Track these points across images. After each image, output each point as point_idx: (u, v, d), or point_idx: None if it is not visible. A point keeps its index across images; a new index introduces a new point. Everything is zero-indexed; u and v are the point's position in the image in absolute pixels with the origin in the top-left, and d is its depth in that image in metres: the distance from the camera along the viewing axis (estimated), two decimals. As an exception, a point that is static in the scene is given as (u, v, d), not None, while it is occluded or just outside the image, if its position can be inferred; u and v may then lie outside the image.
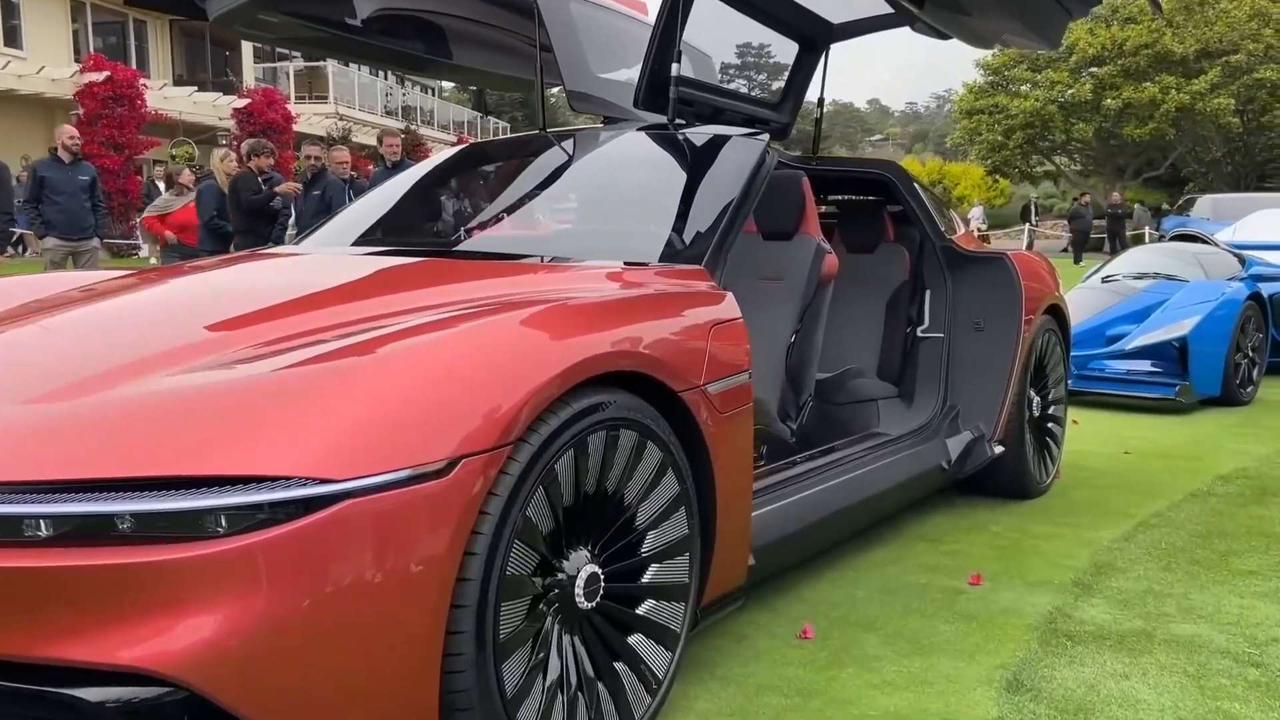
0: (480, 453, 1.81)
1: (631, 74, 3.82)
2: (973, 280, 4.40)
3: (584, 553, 2.16)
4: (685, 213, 3.20)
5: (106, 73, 21.61)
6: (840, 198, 5.07)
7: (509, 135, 3.82)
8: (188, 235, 9.70)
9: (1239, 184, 33.51)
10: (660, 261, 2.94)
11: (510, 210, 3.53)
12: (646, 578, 2.31)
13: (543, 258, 3.00)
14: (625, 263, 2.85)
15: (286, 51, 32.99)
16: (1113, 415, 6.69)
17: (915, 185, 4.38)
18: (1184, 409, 6.85)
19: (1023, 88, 36.46)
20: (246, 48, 30.63)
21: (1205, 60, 32.17)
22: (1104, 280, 8.06)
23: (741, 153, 3.35)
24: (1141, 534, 3.93)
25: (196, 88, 25.67)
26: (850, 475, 3.53)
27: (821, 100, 4.53)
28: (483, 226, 3.41)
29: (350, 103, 31.75)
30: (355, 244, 3.50)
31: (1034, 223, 30.15)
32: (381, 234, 3.63)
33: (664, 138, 3.63)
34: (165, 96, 23.89)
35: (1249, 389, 7.34)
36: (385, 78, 34.74)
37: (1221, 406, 7.00)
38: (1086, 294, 7.84)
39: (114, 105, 21.53)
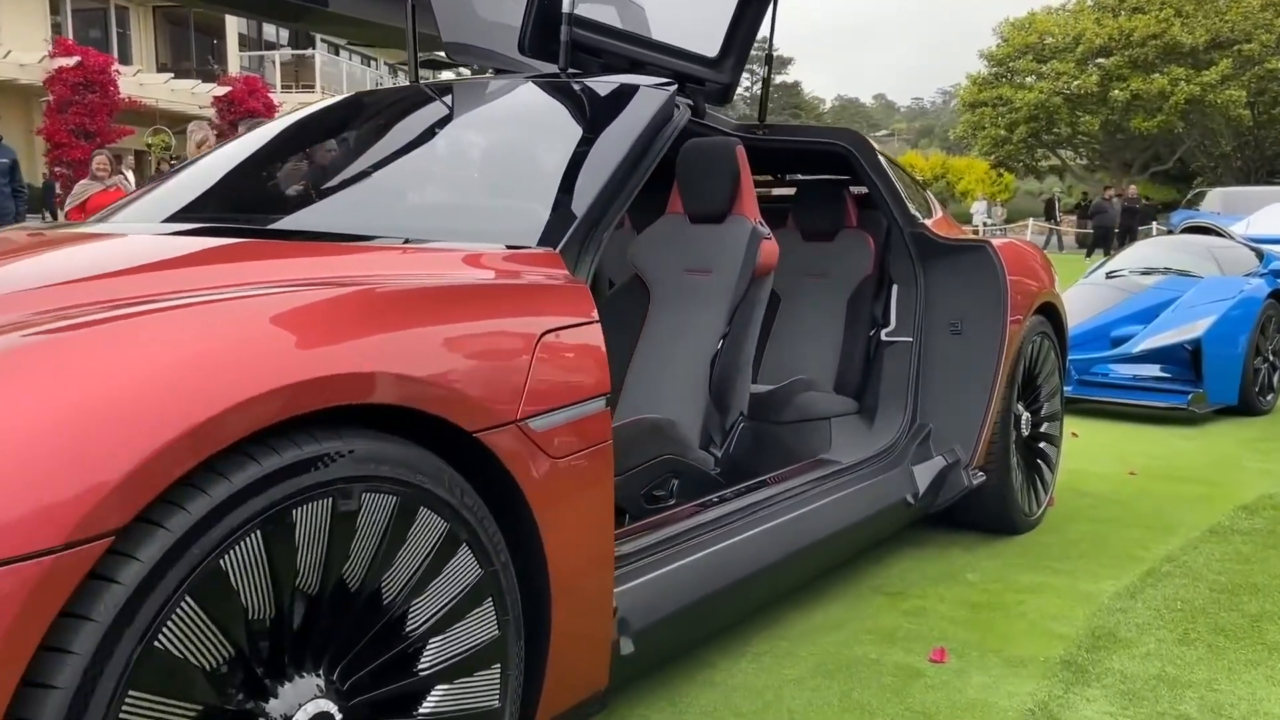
0: (33, 556, 1.07)
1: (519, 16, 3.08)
2: (949, 274, 3.65)
3: (311, 682, 1.42)
4: (565, 182, 2.46)
5: (77, 58, 20.89)
6: (796, 177, 4.33)
7: (375, 89, 2.96)
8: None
9: (1248, 179, 32.66)
10: (540, 244, 2.19)
11: (356, 180, 2.78)
12: (427, 707, 1.57)
13: (374, 238, 2.26)
14: (509, 246, 2.10)
15: (273, 40, 32.32)
16: (1116, 426, 5.94)
17: (880, 159, 3.63)
18: (1197, 420, 6.10)
19: (1027, 79, 35.63)
20: (231, 35, 29.94)
21: (1216, 51, 31.34)
22: (1108, 276, 7.31)
23: (639, 107, 2.60)
24: (1151, 587, 3.19)
25: (174, 75, 24.94)
26: (786, 518, 2.79)
27: (770, 57, 3.78)
28: (321, 200, 2.66)
29: (339, 91, 31.01)
30: (169, 220, 2.75)
31: (1057, 220, 28.90)
32: (208, 208, 2.88)
33: (554, 90, 2.88)
34: (141, 84, 23.16)
35: (1269, 397, 6.59)
36: (374, 66, 34.01)
37: (1239, 416, 6.25)
38: (1088, 291, 7.09)
39: (85, 91, 20.81)
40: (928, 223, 3.74)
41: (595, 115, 2.71)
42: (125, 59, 25.21)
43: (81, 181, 9.68)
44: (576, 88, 2.84)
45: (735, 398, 2.97)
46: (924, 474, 3.39)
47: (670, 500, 2.76)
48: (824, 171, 4.09)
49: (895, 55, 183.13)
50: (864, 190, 3.77)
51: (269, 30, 31.36)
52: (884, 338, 3.68)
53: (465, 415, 1.55)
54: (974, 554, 3.57)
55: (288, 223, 2.48)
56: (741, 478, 2.98)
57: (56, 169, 20.53)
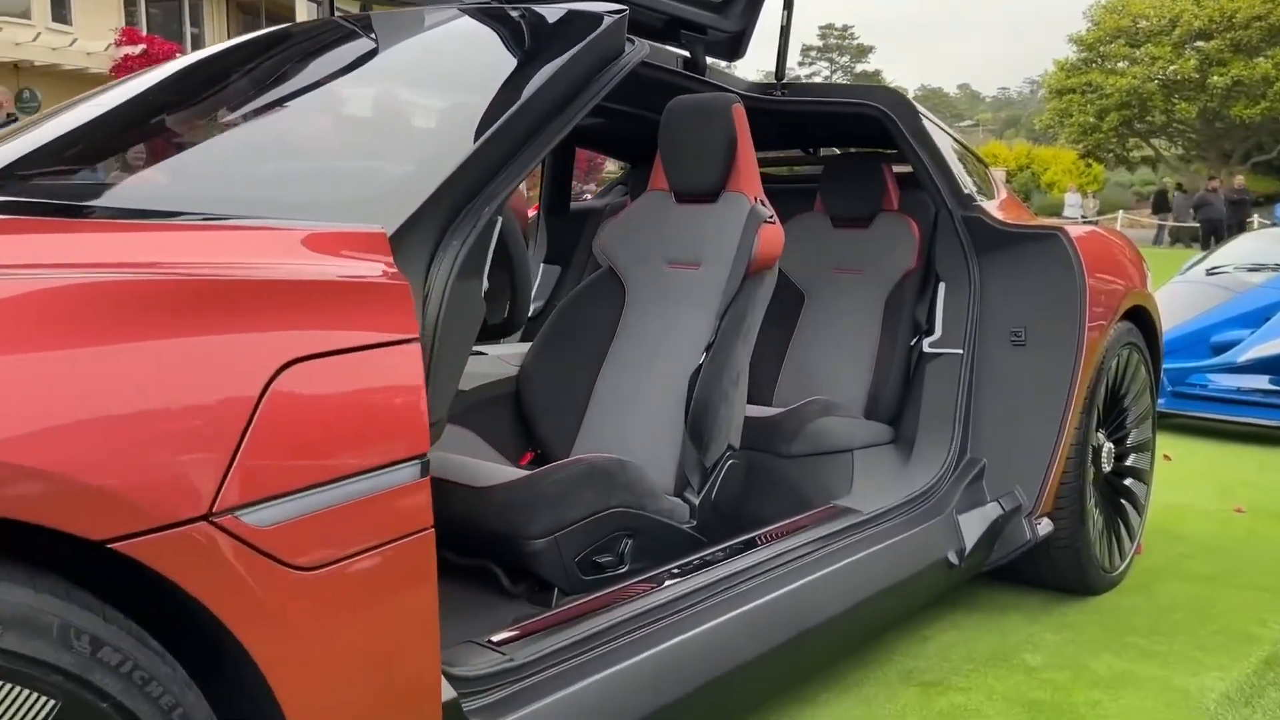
0: None
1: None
2: (1011, 269, 2.91)
3: None
4: (438, 141, 1.81)
5: (142, 45, 20.90)
6: (833, 152, 3.61)
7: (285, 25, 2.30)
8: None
9: (1360, 169, 30.64)
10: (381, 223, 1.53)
11: (204, 139, 2.13)
12: None
13: (175, 214, 1.61)
14: (336, 226, 1.45)
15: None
16: (1217, 448, 5.10)
17: (925, 124, 2.90)
18: (1316, 443, 5.23)
19: (1119, 64, 33.91)
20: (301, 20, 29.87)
21: (1325, 33, 29.42)
22: (1209, 273, 6.41)
23: (561, 38, 1.92)
24: (1276, 686, 2.42)
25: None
26: (780, 592, 2.10)
27: (790, 3, 3.06)
28: (149, 164, 2.03)
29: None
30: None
31: (1169, 213, 26.88)
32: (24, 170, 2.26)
33: (486, 20, 2.21)
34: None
35: (1402, 415, 5.65)
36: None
37: (1366, 439, 5.36)
38: (1185, 290, 6.21)
39: (149, 79, 20.80)
40: (987, 205, 3.00)
41: (522, 52, 2.05)
42: (200, 46, 25.23)
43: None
44: (515, 15, 2.17)
45: (719, 426, 2.29)
46: (973, 524, 2.66)
47: (621, 567, 2.09)
48: (861, 142, 3.36)
49: (981, 43, 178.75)
50: (909, 168, 3.05)
51: (339, 19, 31.26)
52: (926, 348, 2.95)
53: (94, 512, 0.90)
54: (1037, 623, 2.83)
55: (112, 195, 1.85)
56: (727, 533, 2.30)
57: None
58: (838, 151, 3.65)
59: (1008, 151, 40.58)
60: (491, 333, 1.97)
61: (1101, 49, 34.39)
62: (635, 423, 2.51)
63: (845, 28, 73.73)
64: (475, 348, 2.66)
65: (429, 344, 1.40)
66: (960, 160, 3.09)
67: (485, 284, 1.69)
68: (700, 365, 2.33)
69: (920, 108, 2.94)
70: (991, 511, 2.71)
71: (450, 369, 1.54)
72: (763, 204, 2.48)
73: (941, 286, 2.96)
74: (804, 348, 3.24)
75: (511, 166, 1.62)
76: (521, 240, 1.84)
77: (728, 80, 2.93)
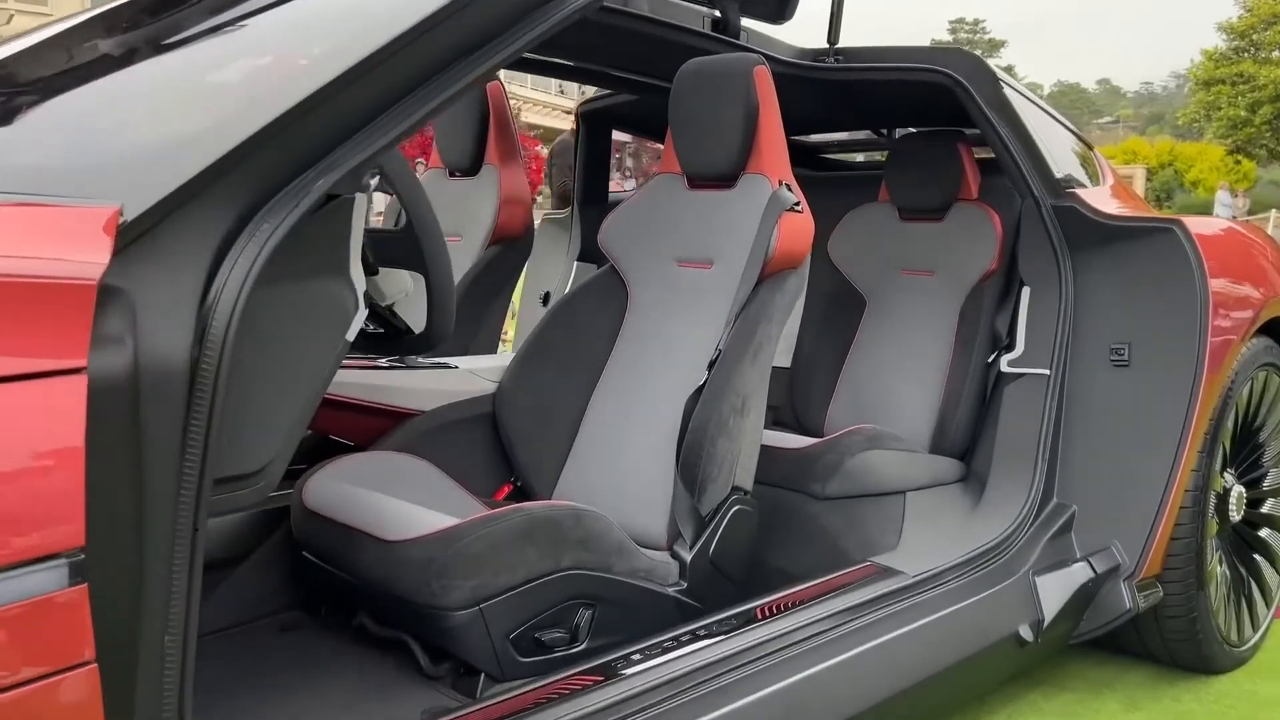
0: None
1: None
2: (1114, 270, 2.36)
3: None
4: (256, 95, 1.39)
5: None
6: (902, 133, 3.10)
7: None
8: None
9: None
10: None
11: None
12: None
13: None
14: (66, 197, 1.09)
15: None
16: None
17: (1007, 93, 2.38)
18: None
19: (1274, 53, 31.63)
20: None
21: None
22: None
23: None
24: None
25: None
26: (775, 687, 1.63)
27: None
28: None
29: (522, 81, 30.84)
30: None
31: None
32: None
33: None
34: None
35: None
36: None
37: None
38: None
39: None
40: (1085, 193, 2.45)
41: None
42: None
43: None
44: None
45: (716, 464, 1.83)
46: (1055, 589, 2.13)
47: (575, 645, 1.66)
48: (937, 119, 2.84)
49: (1122, 35, 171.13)
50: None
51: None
52: (1005, 367, 2.42)
53: None
54: (1138, 710, 2.27)
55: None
56: (730, 598, 1.85)
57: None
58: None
59: (1148, 148, 38.48)
60: (409, 347, 1.57)
61: (1255, 36, 32.12)
62: (630, 455, 2.08)
63: (976, 22, 71.44)
64: (444, 360, 2.27)
65: (212, 370, 1.00)
66: (1053, 138, 2.54)
67: (355, 284, 1.28)
68: (700, 387, 1.87)
69: (1002, 74, 2.41)
70: (1080, 573, 2.17)
71: (272, 401, 1.13)
72: (789, 188, 2.01)
73: (1025, 292, 2.43)
74: (863, 363, 2.75)
75: (372, 129, 1.20)
76: (433, 225, 1.43)
77: (769, 46, 2.46)
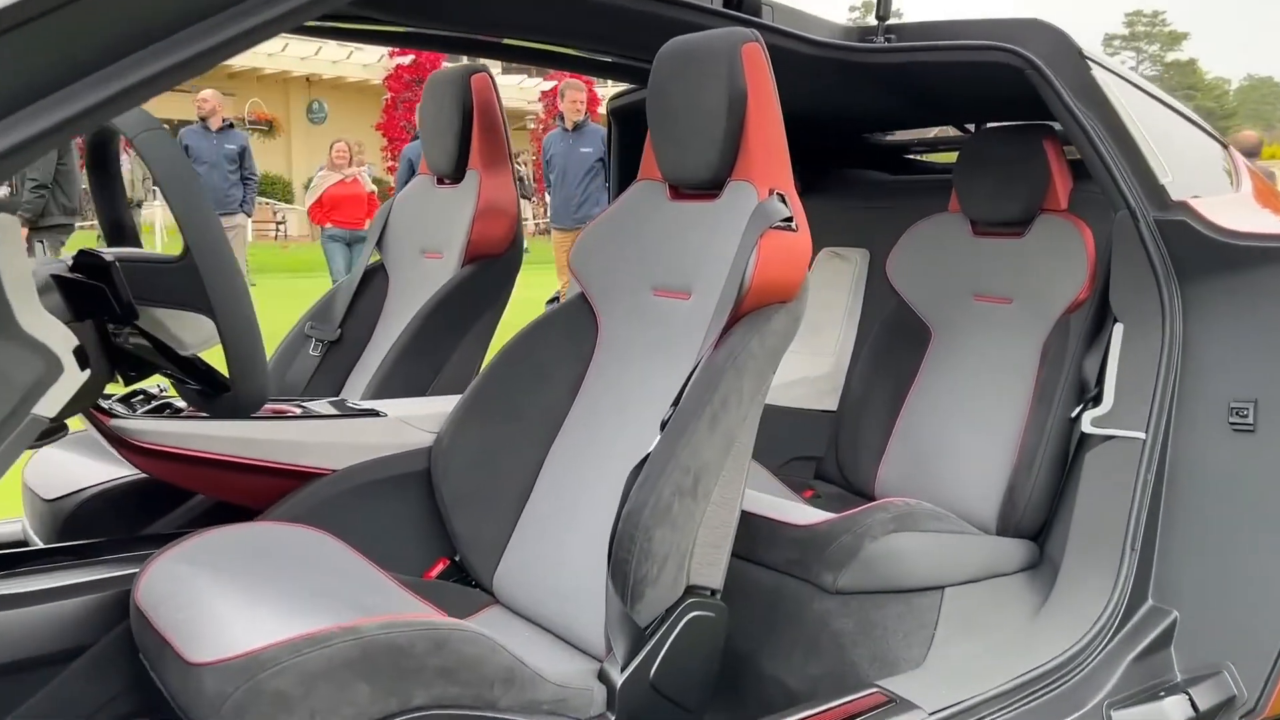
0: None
1: None
2: (1239, 307, 1.81)
3: None
4: None
5: (411, 55, 21.80)
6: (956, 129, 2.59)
7: None
8: (341, 213, 8.55)
9: None
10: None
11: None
12: None
13: None
14: None
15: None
16: None
17: (1097, 76, 1.86)
18: None
19: None
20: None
21: None
22: None
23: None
24: None
25: (501, 70, 25.64)
26: None
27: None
28: None
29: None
30: None
31: None
32: None
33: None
34: (470, 80, 23.85)
35: None
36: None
37: None
38: None
39: (416, 88, 21.69)
40: (1201, 204, 1.90)
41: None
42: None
43: (320, 170, 9.34)
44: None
45: (655, 561, 1.40)
46: (1139, 728, 1.61)
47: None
48: (1018, 111, 2.32)
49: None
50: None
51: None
52: (1089, 426, 1.89)
53: None
54: None
55: None
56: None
57: (389, 164, 21.59)
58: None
59: (1348, 146, 35.22)
60: (220, 410, 1.21)
61: None
62: (582, 535, 1.66)
63: (1156, 14, 67.38)
64: (372, 405, 1.90)
65: None
66: (1164, 133, 1.99)
67: (37, 337, 0.92)
68: (646, 458, 1.45)
69: (1092, 53, 1.89)
70: (1176, 710, 1.64)
71: None
72: (782, 199, 1.56)
73: (1117, 330, 1.90)
74: (924, 409, 2.26)
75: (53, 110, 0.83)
76: (216, 249, 1.06)
77: (803, 25, 2.01)
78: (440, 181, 2.38)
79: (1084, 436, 1.91)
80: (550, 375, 1.79)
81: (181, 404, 1.61)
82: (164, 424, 1.57)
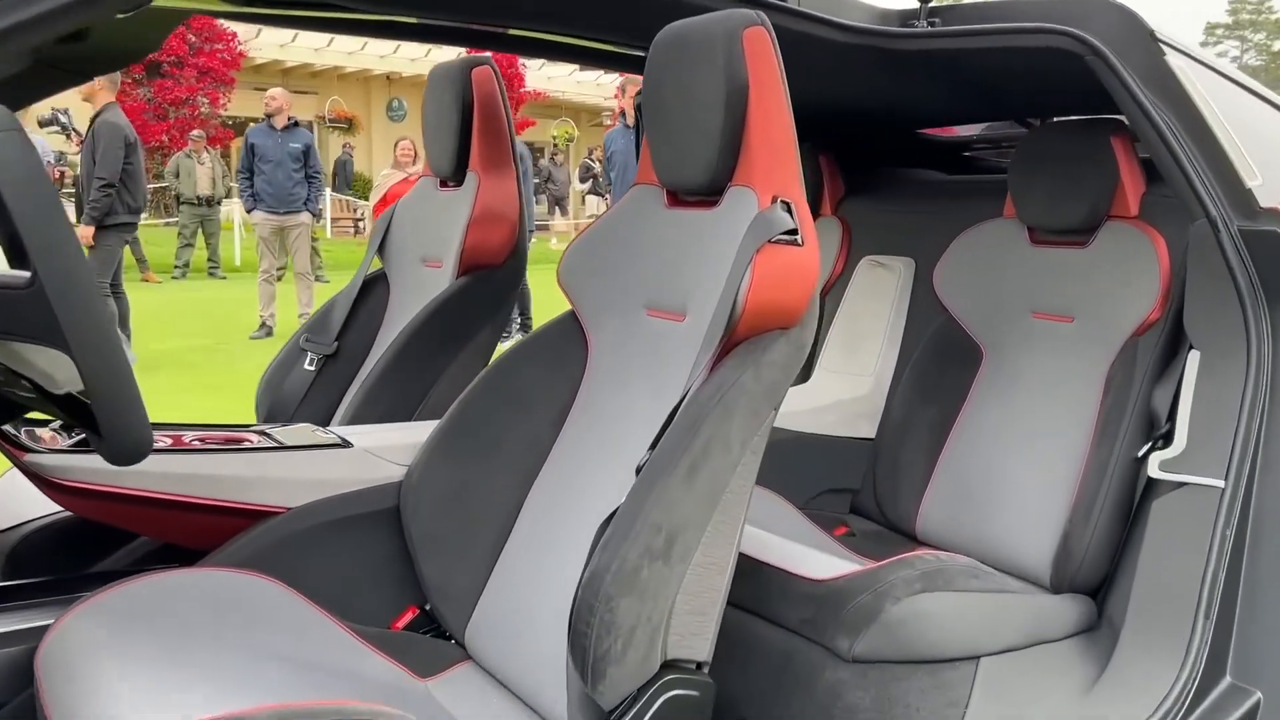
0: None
1: None
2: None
3: None
4: None
5: (488, 53, 21.85)
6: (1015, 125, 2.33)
7: None
8: (404, 211, 8.47)
9: None
10: None
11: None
12: None
13: None
14: None
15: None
16: None
17: (1171, 63, 1.59)
18: None
19: None
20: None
21: None
22: None
23: None
24: None
25: (578, 67, 25.59)
26: None
27: None
28: None
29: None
30: None
31: None
32: None
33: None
34: (548, 77, 23.84)
35: None
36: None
37: None
38: None
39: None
40: (1297, 209, 1.62)
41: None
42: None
43: (385, 170, 9.30)
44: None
45: (620, 636, 1.19)
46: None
47: None
48: (1084, 105, 2.05)
49: None
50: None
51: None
52: (1157, 471, 1.63)
53: None
54: None
55: None
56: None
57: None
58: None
59: None
60: (105, 455, 1.04)
61: None
62: (556, 588, 1.47)
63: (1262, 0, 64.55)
64: (310, 440, 1.71)
65: None
66: (1253, 130, 1.72)
67: None
68: (615, 512, 1.24)
69: (1166, 35, 1.63)
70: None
71: None
72: (787, 208, 1.34)
73: (1193, 358, 1.63)
74: (972, 439, 2.01)
75: None
76: (71, 272, 0.90)
77: (835, 9, 1.79)
78: (443, 185, 2.20)
79: (1151, 481, 1.64)
80: (532, 404, 1.60)
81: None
82: (88, 459, 1.41)
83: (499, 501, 1.58)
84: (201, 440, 1.57)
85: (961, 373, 2.08)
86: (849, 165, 2.56)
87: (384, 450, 1.65)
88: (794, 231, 1.32)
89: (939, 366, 2.11)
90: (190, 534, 1.53)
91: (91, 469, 1.41)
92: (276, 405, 2.19)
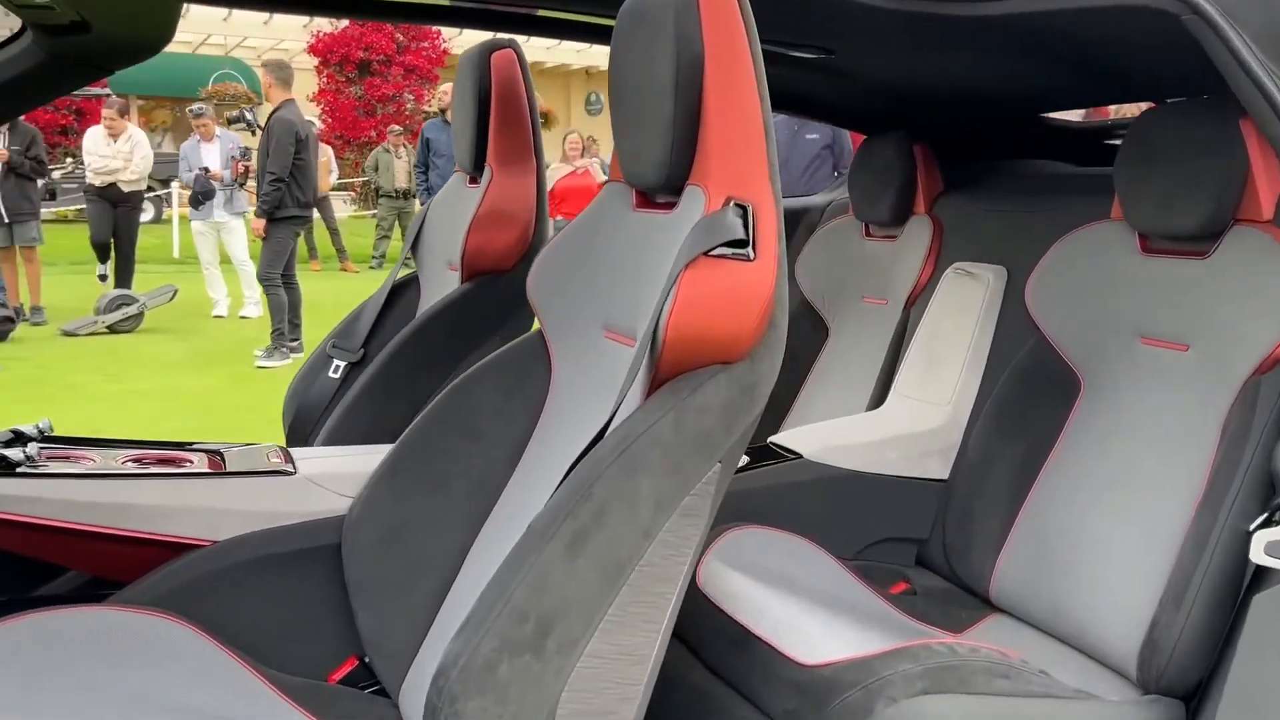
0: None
1: None
2: None
3: None
4: None
5: (519, 36, 21.84)
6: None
7: None
8: (570, 205, 8.48)
9: None
10: None
11: None
12: None
13: None
14: None
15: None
16: None
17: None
18: None
19: None
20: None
21: None
22: None
23: None
24: None
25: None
26: None
27: None
28: None
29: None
30: None
31: None
32: None
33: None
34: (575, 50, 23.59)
35: None
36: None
37: None
38: None
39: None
40: None
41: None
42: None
43: (553, 164, 9.31)
44: None
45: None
46: None
47: None
48: (1210, 85, 1.64)
49: None
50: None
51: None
52: (1263, 555, 1.25)
53: None
54: None
55: None
56: None
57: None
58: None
59: None
60: None
61: None
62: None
63: None
64: (252, 465, 1.54)
65: None
66: None
67: None
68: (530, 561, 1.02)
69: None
70: None
71: None
72: (747, 214, 1.07)
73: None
74: (1063, 490, 1.66)
75: None
76: None
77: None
78: (471, 181, 2.02)
79: (1258, 572, 1.27)
80: (486, 435, 1.39)
81: (14, 452, 1.34)
82: (-6, 482, 1.31)
83: (443, 545, 1.39)
84: (136, 461, 1.45)
85: (1054, 407, 1.72)
86: (949, 157, 2.21)
87: (331, 479, 1.48)
88: (742, 243, 1.06)
89: (1027, 398, 1.76)
90: (110, 567, 1.41)
91: (-10, 493, 1.31)
92: (301, 415, 2.08)
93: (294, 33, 18.14)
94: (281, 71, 6.44)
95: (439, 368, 1.84)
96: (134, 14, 1.52)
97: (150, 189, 14.93)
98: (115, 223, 8.08)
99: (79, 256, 10.61)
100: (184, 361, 6.58)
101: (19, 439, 1.40)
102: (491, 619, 0.95)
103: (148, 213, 15.50)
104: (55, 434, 1.47)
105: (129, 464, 1.44)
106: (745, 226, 1.07)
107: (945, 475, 1.85)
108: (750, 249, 1.06)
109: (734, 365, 1.05)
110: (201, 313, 8.28)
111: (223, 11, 17.91)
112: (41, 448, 1.40)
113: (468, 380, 1.42)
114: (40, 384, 5.82)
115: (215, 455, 1.52)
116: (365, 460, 1.51)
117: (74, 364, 6.36)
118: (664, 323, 1.02)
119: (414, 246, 2.15)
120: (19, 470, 1.33)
